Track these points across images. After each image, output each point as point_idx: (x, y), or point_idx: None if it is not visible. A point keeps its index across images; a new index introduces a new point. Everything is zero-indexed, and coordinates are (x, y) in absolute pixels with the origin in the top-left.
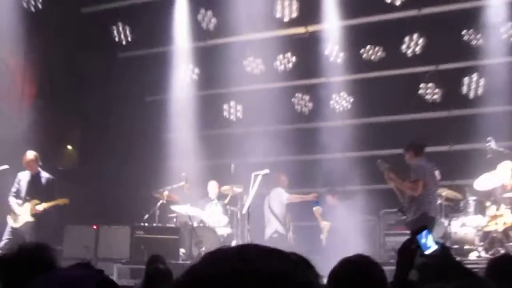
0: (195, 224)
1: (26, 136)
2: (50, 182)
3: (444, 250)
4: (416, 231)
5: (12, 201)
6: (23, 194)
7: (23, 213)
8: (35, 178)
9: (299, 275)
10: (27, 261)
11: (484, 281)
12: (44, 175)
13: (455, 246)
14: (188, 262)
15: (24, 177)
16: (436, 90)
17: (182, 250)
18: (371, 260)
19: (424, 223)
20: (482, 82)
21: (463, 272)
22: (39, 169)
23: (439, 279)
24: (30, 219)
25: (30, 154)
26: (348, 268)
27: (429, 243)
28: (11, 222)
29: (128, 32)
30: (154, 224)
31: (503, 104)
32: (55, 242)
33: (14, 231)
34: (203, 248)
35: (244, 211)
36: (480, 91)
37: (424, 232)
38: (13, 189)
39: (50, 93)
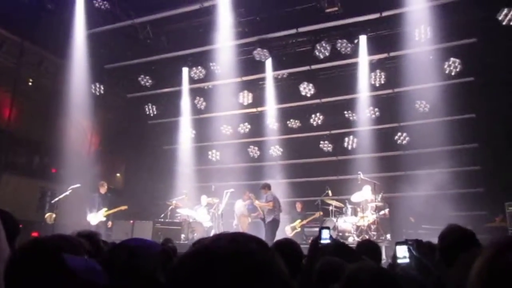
0: (191, 220)
1: (93, 168)
2: (110, 197)
3: (335, 241)
4: (320, 228)
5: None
6: (97, 205)
7: (98, 216)
8: (104, 195)
9: (260, 253)
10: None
11: (359, 255)
12: (108, 194)
13: (340, 234)
14: (186, 242)
15: (98, 194)
16: (330, 145)
17: (182, 235)
18: (292, 241)
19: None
20: (355, 140)
21: (348, 250)
22: (106, 190)
23: (334, 255)
24: (103, 219)
25: (103, 183)
26: (280, 245)
27: (325, 236)
28: (92, 221)
29: (154, 109)
30: (167, 220)
31: (366, 153)
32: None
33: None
34: (195, 234)
35: (219, 212)
36: (354, 145)
37: (324, 230)
38: (91, 201)
39: (107, 143)
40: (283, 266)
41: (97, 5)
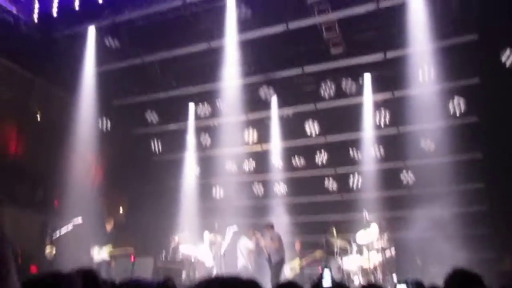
0: (193, 259)
1: (95, 202)
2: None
3: (338, 284)
4: (322, 270)
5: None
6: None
7: (102, 253)
8: (109, 232)
9: None
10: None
11: None
12: (113, 231)
13: (345, 275)
14: (187, 283)
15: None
16: (335, 183)
17: (184, 275)
18: (295, 284)
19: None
20: (360, 179)
21: None
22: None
23: None
24: (107, 258)
25: (109, 220)
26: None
27: (326, 278)
28: (96, 257)
29: (159, 145)
30: (168, 257)
31: (372, 191)
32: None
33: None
34: (197, 274)
35: (222, 252)
36: (359, 185)
37: (326, 271)
38: (96, 237)
39: (111, 178)
40: None
41: (108, 43)
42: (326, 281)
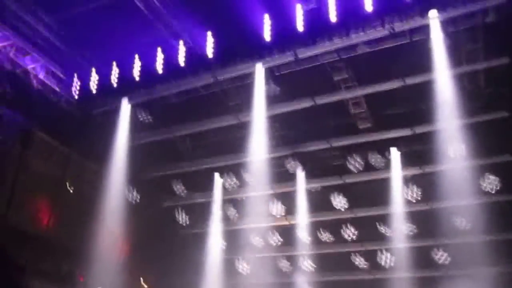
0: None
1: (122, 274)
2: None
3: None
4: None
5: None
6: None
7: None
8: None
9: None
10: None
11: None
12: None
13: None
14: None
15: None
16: (364, 261)
17: None
18: None
19: None
20: (393, 258)
21: None
22: None
23: None
24: None
25: None
26: None
27: None
28: None
29: (187, 219)
30: None
31: (403, 271)
32: None
33: None
34: None
35: None
36: (391, 263)
37: None
38: None
39: (137, 250)
40: None
41: (141, 119)
42: None
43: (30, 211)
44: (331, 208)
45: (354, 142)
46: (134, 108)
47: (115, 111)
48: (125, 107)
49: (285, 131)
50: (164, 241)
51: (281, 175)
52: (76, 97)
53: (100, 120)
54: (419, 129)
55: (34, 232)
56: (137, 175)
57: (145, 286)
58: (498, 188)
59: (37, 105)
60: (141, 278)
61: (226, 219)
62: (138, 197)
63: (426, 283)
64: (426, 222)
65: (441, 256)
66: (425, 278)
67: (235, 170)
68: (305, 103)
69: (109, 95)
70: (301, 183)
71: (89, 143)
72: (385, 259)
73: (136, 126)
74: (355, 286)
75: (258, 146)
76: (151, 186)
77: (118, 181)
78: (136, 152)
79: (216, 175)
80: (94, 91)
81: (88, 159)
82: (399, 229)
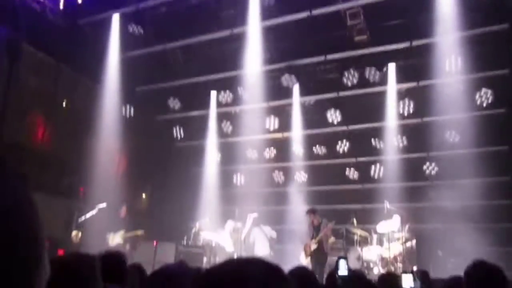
0: (213, 244)
1: (119, 189)
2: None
3: (354, 273)
4: (337, 259)
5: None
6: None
7: (116, 238)
8: (123, 218)
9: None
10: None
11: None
12: (126, 217)
13: (365, 264)
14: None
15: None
16: (356, 172)
17: (205, 259)
18: (309, 271)
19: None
20: (382, 169)
21: (366, 284)
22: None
23: None
24: (120, 241)
25: (123, 207)
26: (295, 275)
27: (342, 267)
28: (110, 242)
29: (181, 132)
30: (190, 243)
31: (393, 182)
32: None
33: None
34: (217, 258)
35: (242, 238)
36: (381, 174)
37: (341, 261)
38: (112, 223)
39: (134, 165)
40: None
41: (131, 30)
42: (342, 270)
43: (25, 126)
44: (325, 122)
45: (350, 55)
46: (124, 20)
47: (104, 22)
48: (114, 18)
49: (280, 44)
50: (161, 154)
51: (275, 89)
52: (61, 6)
53: (89, 32)
54: (416, 43)
55: (30, 148)
56: (130, 89)
57: (144, 197)
58: (490, 101)
59: (21, 16)
60: (139, 191)
61: (221, 132)
62: (132, 110)
63: (415, 193)
64: (418, 135)
65: (430, 168)
66: (414, 188)
67: (229, 84)
68: (301, 15)
69: (95, 4)
70: (296, 97)
71: (80, 57)
72: (376, 170)
73: (126, 38)
74: (346, 196)
75: (253, 59)
76: (144, 100)
77: (112, 96)
78: (128, 66)
79: (210, 89)
80: (79, 1)
81: (80, 73)
82: (392, 143)
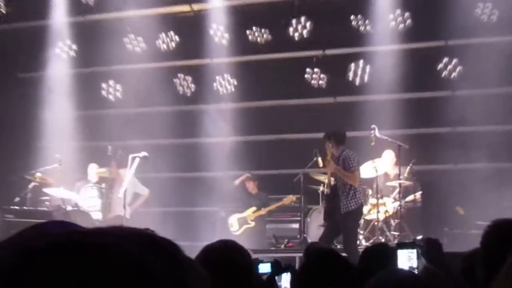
0: (69, 208)
1: None
2: None
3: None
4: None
5: None
6: None
7: None
8: None
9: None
10: None
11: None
12: None
13: None
14: None
15: None
16: (322, 76)
17: None
18: (235, 246)
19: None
20: (368, 69)
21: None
22: None
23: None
24: None
25: None
26: (211, 255)
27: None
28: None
29: (1, 4)
30: (25, 208)
31: (388, 92)
32: None
33: None
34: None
35: (120, 194)
36: (366, 78)
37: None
38: None
39: None
40: None
41: None
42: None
43: None
44: None
45: None
46: None
47: None
48: None
49: None
50: None
51: None
52: None
53: None
54: None
55: None
56: None
57: None
58: None
59: None
60: None
61: (75, 5)
62: None
63: (422, 110)
64: (428, 11)
65: (450, 66)
66: (420, 102)
67: None
68: None
69: None
70: None
71: None
72: (358, 72)
73: None
74: (306, 116)
75: None
76: None
77: None
78: None
79: None
80: None
81: None
82: (385, 22)
